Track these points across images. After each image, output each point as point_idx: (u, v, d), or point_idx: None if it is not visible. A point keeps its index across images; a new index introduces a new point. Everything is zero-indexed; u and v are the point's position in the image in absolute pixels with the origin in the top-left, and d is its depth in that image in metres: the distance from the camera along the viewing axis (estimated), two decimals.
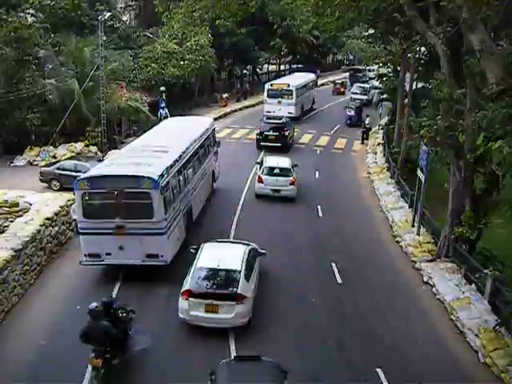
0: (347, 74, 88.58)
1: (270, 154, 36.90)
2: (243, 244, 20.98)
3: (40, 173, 32.32)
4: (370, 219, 29.78)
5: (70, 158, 33.75)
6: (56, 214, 23.70)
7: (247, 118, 54.80)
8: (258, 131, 42.20)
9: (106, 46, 41.22)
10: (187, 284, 18.10)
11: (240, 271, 18.45)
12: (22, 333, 17.84)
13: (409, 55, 36.17)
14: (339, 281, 22.22)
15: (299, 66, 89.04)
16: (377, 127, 51.10)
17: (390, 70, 47.27)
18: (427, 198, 26.12)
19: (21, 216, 23.39)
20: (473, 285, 20.67)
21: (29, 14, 45.87)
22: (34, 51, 38.35)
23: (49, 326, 18.26)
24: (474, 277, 20.76)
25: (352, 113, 53.67)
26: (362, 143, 46.90)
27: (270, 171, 31.19)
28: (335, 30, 38.48)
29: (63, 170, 31.77)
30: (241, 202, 30.67)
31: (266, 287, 20.71)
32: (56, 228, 23.52)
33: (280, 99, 51.26)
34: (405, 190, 31.27)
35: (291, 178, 30.87)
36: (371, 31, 41.81)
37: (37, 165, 35.12)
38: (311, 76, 64.37)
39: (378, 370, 16.48)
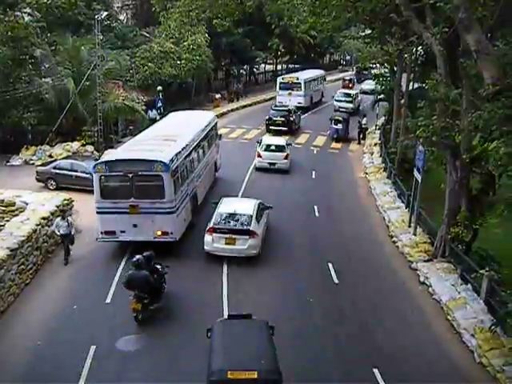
0: (354, 72, 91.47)
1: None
2: (254, 199, 25.74)
3: (36, 172, 32.16)
4: (367, 219, 29.79)
5: (66, 158, 33.65)
6: (52, 214, 23.68)
7: (244, 117, 54.82)
8: (267, 117, 47.86)
9: (103, 46, 41.15)
10: (211, 223, 23.18)
11: (251, 215, 23.50)
12: (19, 332, 17.83)
13: (405, 56, 36.21)
14: (336, 281, 22.25)
15: (296, 65, 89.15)
16: (373, 127, 51.14)
17: (386, 70, 47.32)
18: (424, 198, 26.15)
19: (17, 215, 23.37)
20: (469, 285, 20.72)
21: (25, 13, 45.82)
22: (31, 50, 38.21)
23: (45, 325, 18.24)
24: (470, 277, 20.79)
25: (339, 126, 46.13)
26: (359, 143, 46.93)
27: (267, 147, 37.21)
28: (332, 30, 38.47)
29: (59, 169, 31.62)
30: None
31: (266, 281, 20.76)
32: (52, 227, 23.49)
33: (290, 91, 57.37)
34: (401, 190, 31.31)
35: (285, 153, 36.78)
36: (368, 31, 41.79)
37: (33, 164, 34.99)
38: (320, 72, 69.90)
39: (375, 370, 16.51)
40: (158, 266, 19.48)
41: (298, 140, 46.48)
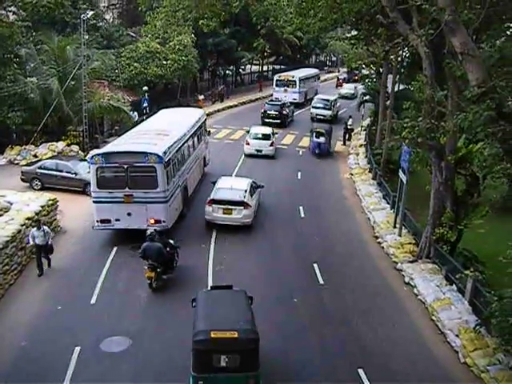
0: (345, 71, 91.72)
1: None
2: (247, 178, 29.49)
3: (21, 172, 31.86)
4: (352, 220, 29.85)
5: (51, 158, 33.39)
6: (37, 214, 23.47)
7: (229, 118, 54.76)
8: (263, 110, 51.39)
9: (89, 45, 40.91)
10: (211, 196, 26.76)
11: (246, 190, 27.09)
12: (3, 333, 17.68)
13: (391, 57, 36.35)
14: (321, 281, 22.28)
15: (282, 66, 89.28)
16: (359, 128, 51.32)
17: (372, 71, 47.52)
18: (409, 199, 26.28)
19: (1, 215, 23.08)
20: (453, 285, 20.83)
21: (10, 11, 45.55)
22: (16, 49, 37.99)
23: (30, 326, 18.11)
24: (455, 277, 20.88)
25: (321, 139, 40.89)
26: (344, 144, 47.05)
27: (255, 135, 40.99)
28: (318, 31, 38.56)
29: (45, 169, 31.30)
30: None
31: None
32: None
33: (286, 88, 61.82)
34: (386, 191, 31.44)
35: (271, 141, 40.64)
36: (354, 33, 41.97)
37: (18, 164, 34.76)
38: (314, 70, 75.52)
39: (360, 370, 16.56)
40: (171, 241, 21.80)
41: (284, 141, 46.46)
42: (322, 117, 52.30)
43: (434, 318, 19.64)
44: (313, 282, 22.26)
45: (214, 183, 28.26)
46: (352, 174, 37.72)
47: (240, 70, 79.16)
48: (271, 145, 40.39)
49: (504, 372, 15.85)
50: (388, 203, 30.43)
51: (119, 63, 48.35)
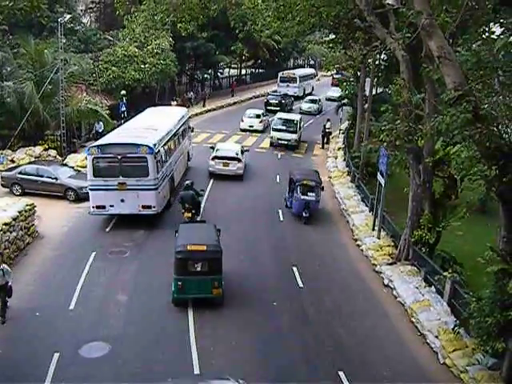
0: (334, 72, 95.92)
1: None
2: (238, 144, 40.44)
3: (1, 177, 31.54)
4: (331, 223, 29.95)
5: (31, 162, 33.11)
6: (14, 220, 23.25)
7: (208, 122, 54.54)
8: (266, 100, 62.67)
9: (66, 49, 40.68)
10: (213, 154, 36.25)
11: (238, 151, 36.78)
12: None
13: (369, 60, 36.58)
14: (300, 285, 22.32)
15: (260, 70, 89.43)
16: (337, 132, 51.50)
17: (350, 74, 47.75)
18: (387, 201, 26.44)
19: None
20: (432, 287, 21.00)
21: None
22: None
23: (7, 333, 17.95)
24: (434, 279, 21.05)
25: (311, 196, 29.47)
26: (323, 148, 47.20)
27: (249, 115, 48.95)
28: (296, 35, 38.69)
29: (25, 174, 30.94)
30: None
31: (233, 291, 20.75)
32: (14, 233, 23.08)
33: (288, 83, 71.93)
34: (365, 194, 31.60)
35: (260, 119, 49.43)
36: (332, 36, 42.11)
37: None
38: (311, 70, 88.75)
39: (340, 372, 16.61)
40: (198, 190, 27.52)
41: (262, 145, 46.51)
42: (284, 142, 45.19)
43: (413, 319, 19.76)
44: (292, 286, 22.29)
45: (213, 148, 37.36)
46: (330, 177, 37.85)
47: (218, 74, 79.08)
48: (261, 122, 47.92)
49: (483, 372, 15.99)
50: (367, 206, 30.58)
51: (97, 67, 48.01)
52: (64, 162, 35.28)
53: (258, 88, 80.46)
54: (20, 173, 31.04)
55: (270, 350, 17.60)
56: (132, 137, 27.92)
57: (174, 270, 19.50)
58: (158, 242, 25.41)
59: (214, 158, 35.65)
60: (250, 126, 50.53)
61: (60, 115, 37.20)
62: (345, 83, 48.94)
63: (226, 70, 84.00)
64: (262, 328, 18.93)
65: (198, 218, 26.74)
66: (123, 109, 46.36)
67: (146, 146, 26.16)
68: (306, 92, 75.87)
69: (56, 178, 30.46)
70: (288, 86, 71.67)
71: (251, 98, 71.14)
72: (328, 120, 48.94)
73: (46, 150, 36.80)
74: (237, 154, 35.93)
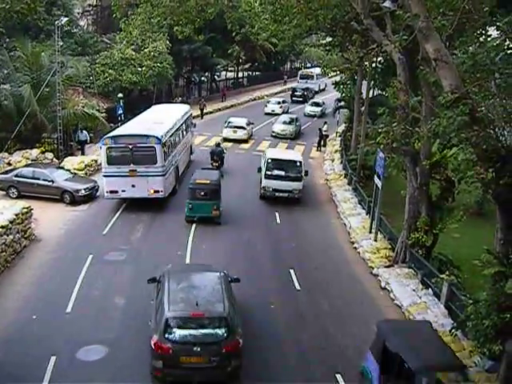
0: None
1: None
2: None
3: None
4: (328, 226, 29.96)
5: (28, 165, 32.99)
6: (11, 222, 23.24)
7: (205, 125, 54.45)
8: (291, 92, 77.12)
9: (63, 52, 40.59)
10: (225, 125, 48.56)
11: (244, 122, 49.04)
12: None
13: (366, 63, 36.64)
14: (297, 287, 22.32)
15: (257, 73, 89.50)
16: (334, 134, 51.55)
17: (347, 77, 47.77)
18: (384, 204, 26.46)
19: None
20: (429, 289, 21.02)
21: None
22: None
23: (4, 336, 17.84)
24: (431, 282, 21.07)
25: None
26: (319, 150, 47.23)
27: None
28: (293, 38, 38.76)
29: (21, 177, 30.85)
30: None
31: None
32: (11, 236, 23.04)
33: (307, 80, 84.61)
34: (362, 197, 31.61)
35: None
36: (329, 39, 42.19)
37: None
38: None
39: (338, 375, 16.61)
40: (222, 149, 37.82)
41: (260, 147, 46.51)
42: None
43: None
44: (289, 288, 22.29)
45: (226, 121, 49.20)
46: (327, 180, 37.88)
47: (215, 77, 79.10)
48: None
49: (480, 374, 16.01)
50: (364, 208, 30.60)
51: (94, 70, 48.03)
52: (60, 164, 35.22)
53: (256, 91, 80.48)
54: (16, 175, 30.93)
55: (266, 351, 17.60)
56: (142, 129, 31.06)
57: (187, 197, 28.04)
58: (155, 244, 25.40)
59: (226, 127, 47.90)
60: (272, 111, 61.78)
61: (57, 118, 37.16)
62: (342, 86, 49.01)
63: (223, 72, 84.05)
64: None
65: (221, 168, 35.56)
66: (120, 112, 46.21)
67: (155, 136, 29.15)
68: (321, 88, 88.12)
69: (52, 181, 30.49)
70: (307, 82, 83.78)
71: (248, 101, 71.10)
72: (325, 123, 48.96)
73: (42, 152, 36.72)
74: (244, 124, 48.52)
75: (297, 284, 22.54)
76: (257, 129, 53.03)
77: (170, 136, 32.02)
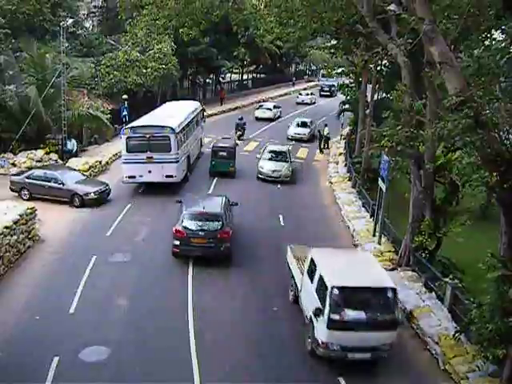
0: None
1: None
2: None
3: (10, 181, 31.16)
4: (332, 228, 29.91)
5: (41, 167, 32.70)
6: (15, 223, 23.26)
7: (210, 127, 54.38)
8: (320, 87, 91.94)
9: (68, 53, 40.72)
10: (255, 114, 61.43)
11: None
12: None
13: (370, 66, 36.62)
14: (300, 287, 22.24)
15: (262, 75, 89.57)
16: (338, 137, 51.52)
17: (351, 80, 47.80)
18: (388, 207, 26.41)
19: None
20: (433, 293, 20.94)
21: None
22: None
23: (7, 337, 17.86)
24: (434, 285, 21.02)
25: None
26: (322, 153, 47.21)
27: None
28: (298, 40, 38.80)
29: (33, 178, 30.57)
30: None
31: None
32: (15, 237, 23.07)
33: (327, 78, 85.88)
34: (366, 200, 31.57)
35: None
36: (333, 42, 42.19)
37: None
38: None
39: (340, 378, 16.57)
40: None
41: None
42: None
43: (413, 325, 19.71)
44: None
45: (258, 105, 62.83)
46: (331, 183, 37.85)
47: (220, 79, 79.18)
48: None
49: (483, 378, 15.97)
50: (367, 211, 30.56)
51: (99, 71, 48.10)
52: (64, 165, 35.30)
53: (261, 93, 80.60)
54: (28, 177, 30.75)
55: (271, 352, 17.58)
56: (158, 120, 34.50)
57: (211, 157, 37.40)
58: (158, 246, 25.40)
59: (257, 109, 62.09)
60: (302, 101, 77.86)
61: (61, 119, 37.23)
62: (346, 88, 49.05)
63: (228, 74, 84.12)
64: None
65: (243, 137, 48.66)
66: (125, 113, 46.25)
67: (170, 127, 32.39)
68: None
69: (63, 183, 30.23)
70: (327, 79, 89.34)
71: (252, 103, 71.03)
72: (326, 125, 48.98)
73: (47, 153, 36.83)
74: (271, 107, 62.83)
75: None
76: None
77: (183, 128, 35.16)
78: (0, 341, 17.56)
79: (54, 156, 36.90)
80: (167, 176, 32.40)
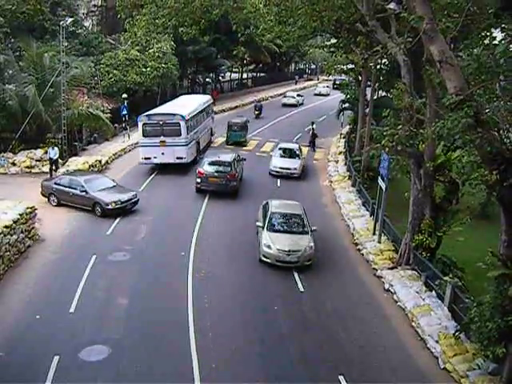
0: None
1: None
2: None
3: (41, 186, 30.60)
4: (332, 227, 29.88)
5: (71, 172, 32.00)
6: (15, 222, 23.24)
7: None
8: (333, 81, 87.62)
9: (68, 52, 40.68)
10: (282, 101, 73.83)
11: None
12: None
13: (370, 65, 36.61)
14: (301, 289, 22.29)
15: (262, 74, 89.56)
16: (338, 136, 51.51)
17: (351, 79, 47.81)
18: (388, 206, 26.39)
19: None
20: (433, 292, 20.96)
21: None
22: None
23: (7, 336, 17.87)
24: (434, 284, 21.03)
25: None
26: (314, 151, 47.25)
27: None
28: (298, 39, 38.83)
29: (60, 185, 29.69)
30: None
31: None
32: (15, 236, 23.07)
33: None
34: (366, 198, 31.56)
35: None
36: (333, 41, 42.22)
37: None
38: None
39: (340, 377, 16.58)
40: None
41: (263, 148, 46.78)
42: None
43: (413, 324, 19.74)
44: (293, 290, 22.27)
45: (284, 94, 73.04)
46: (331, 182, 37.83)
47: (220, 78, 79.18)
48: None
49: (483, 377, 15.98)
50: (367, 210, 30.55)
51: (98, 70, 48.12)
52: (64, 164, 35.29)
53: (261, 92, 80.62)
54: (55, 183, 30.01)
55: (270, 351, 17.61)
56: (170, 109, 39.72)
57: (227, 129, 47.19)
58: (159, 245, 25.43)
59: (284, 97, 73.45)
60: (320, 92, 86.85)
61: (61, 118, 37.24)
62: (346, 87, 49.04)
63: (228, 73, 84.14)
64: None
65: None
66: (124, 112, 46.30)
67: (180, 115, 37.00)
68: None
69: (86, 191, 29.00)
70: (341, 75, 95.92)
71: (252, 102, 71.10)
72: (313, 123, 49.12)
73: (47, 153, 36.78)
74: (295, 95, 73.96)
75: (300, 286, 22.49)
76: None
77: (192, 116, 39.46)
78: (0, 340, 17.57)
79: (57, 150, 36.79)
80: (178, 158, 36.90)
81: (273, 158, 40.12)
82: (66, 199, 29.49)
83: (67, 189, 29.42)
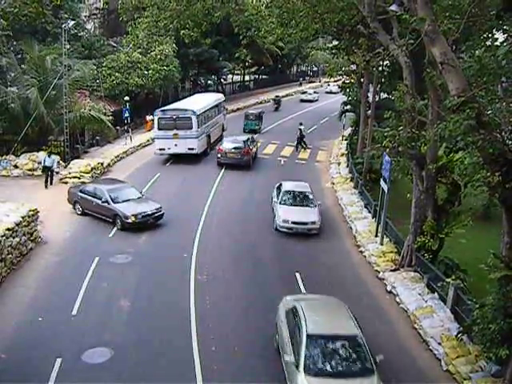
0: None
1: None
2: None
3: (68, 193, 30.21)
4: (334, 229, 29.85)
5: (98, 181, 31.69)
6: (17, 225, 23.26)
7: None
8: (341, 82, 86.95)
9: (70, 55, 40.77)
10: (301, 97, 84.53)
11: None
12: None
13: (372, 67, 36.59)
14: (303, 290, 22.26)
15: (264, 76, 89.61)
16: (340, 138, 51.50)
17: (353, 81, 47.77)
18: (390, 207, 26.38)
19: None
20: (435, 293, 20.92)
21: None
22: None
23: (10, 338, 17.91)
24: (437, 286, 20.99)
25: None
26: (301, 150, 47.63)
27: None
28: (299, 41, 38.84)
29: (84, 193, 28.95)
30: None
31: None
32: (17, 239, 23.08)
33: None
34: (368, 200, 31.53)
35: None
36: (335, 43, 42.20)
37: None
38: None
39: None
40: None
41: (265, 151, 46.76)
42: None
43: (416, 326, 19.71)
44: (295, 291, 22.20)
45: (303, 92, 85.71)
46: (333, 183, 37.83)
47: (221, 80, 79.24)
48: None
49: (486, 379, 15.95)
50: (369, 212, 30.52)
51: (100, 73, 48.18)
52: (66, 166, 35.31)
53: (263, 94, 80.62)
54: (80, 191, 29.30)
55: (274, 357, 17.60)
56: (183, 105, 43.66)
57: (244, 119, 54.07)
58: (160, 248, 25.43)
59: (302, 93, 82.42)
60: (330, 90, 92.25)
61: (63, 121, 37.27)
62: (348, 89, 49.01)
63: (230, 76, 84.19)
64: None
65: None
66: (126, 115, 46.37)
67: (191, 110, 41.04)
68: None
69: (107, 202, 27.90)
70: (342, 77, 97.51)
71: (255, 104, 71.24)
72: (301, 124, 49.18)
73: (49, 155, 36.81)
74: (312, 92, 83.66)
75: (302, 287, 22.46)
76: None
77: (203, 112, 42.98)
78: (3, 342, 17.59)
79: (55, 158, 36.83)
80: (189, 148, 40.81)
81: (279, 207, 29.11)
82: (89, 208, 28.70)
83: (91, 197, 28.58)
